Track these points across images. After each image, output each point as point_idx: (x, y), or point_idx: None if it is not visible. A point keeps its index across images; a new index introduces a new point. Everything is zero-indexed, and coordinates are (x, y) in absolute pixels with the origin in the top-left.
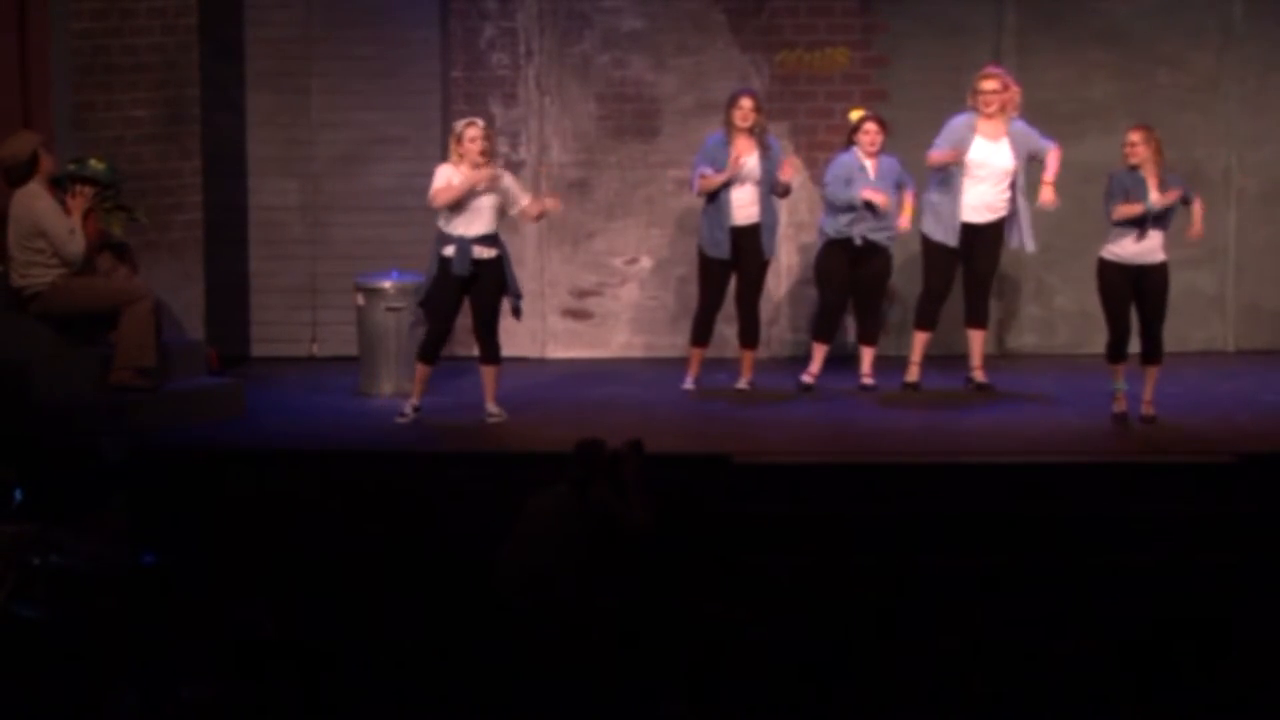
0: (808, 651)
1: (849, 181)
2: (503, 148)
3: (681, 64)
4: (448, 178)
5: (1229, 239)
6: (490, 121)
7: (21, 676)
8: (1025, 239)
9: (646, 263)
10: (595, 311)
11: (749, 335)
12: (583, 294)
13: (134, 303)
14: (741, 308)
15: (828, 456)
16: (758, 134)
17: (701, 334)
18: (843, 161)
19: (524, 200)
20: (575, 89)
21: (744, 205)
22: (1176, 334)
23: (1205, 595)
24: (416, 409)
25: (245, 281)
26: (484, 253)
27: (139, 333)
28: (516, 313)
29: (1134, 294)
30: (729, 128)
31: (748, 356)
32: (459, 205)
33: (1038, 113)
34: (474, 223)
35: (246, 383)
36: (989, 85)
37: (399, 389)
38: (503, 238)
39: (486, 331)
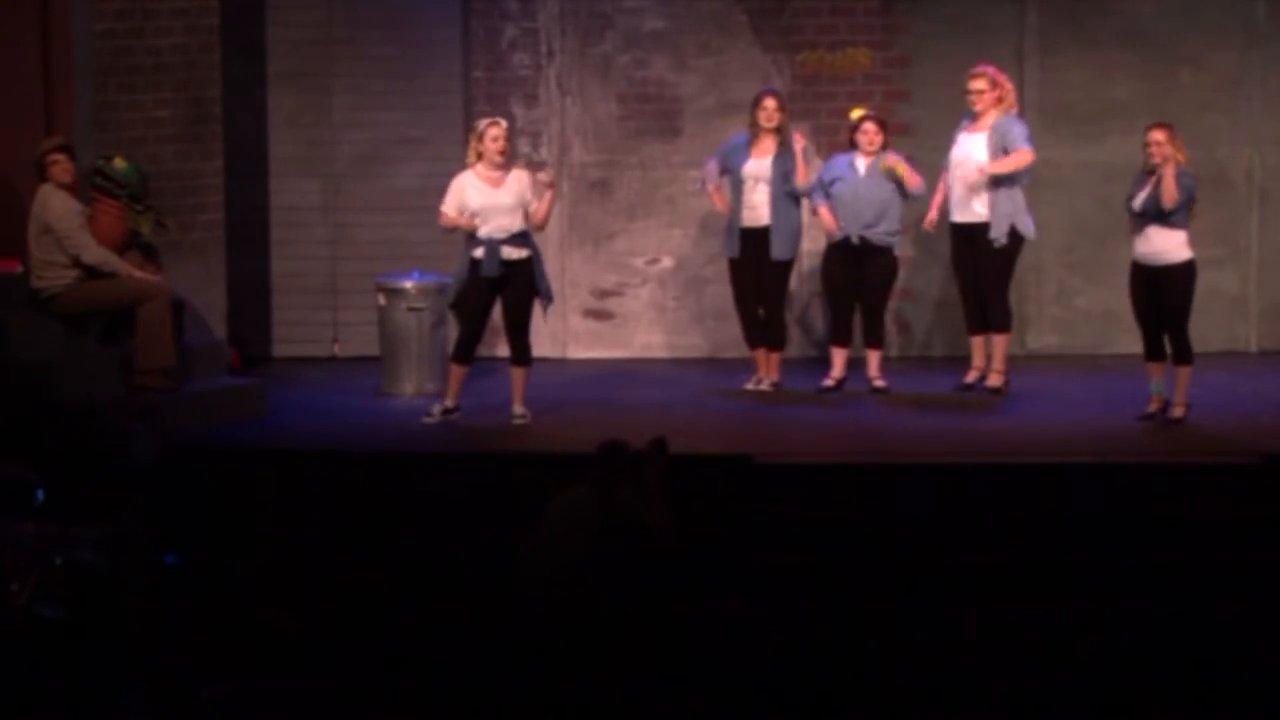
0: (827, 651)
1: (834, 181)
2: (524, 148)
3: (703, 64)
4: (459, 197)
5: (1252, 239)
6: (511, 122)
7: (43, 676)
8: (992, 231)
9: (668, 263)
10: (616, 312)
11: (773, 336)
12: (604, 294)
13: (149, 300)
14: (768, 310)
15: (848, 457)
16: (780, 132)
17: (748, 336)
18: (836, 161)
19: (535, 202)
20: (596, 89)
21: (755, 207)
22: (1199, 335)
23: (1230, 597)
24: (447, 411)
25: (267, 282)
26: (514, 253)
27: (157, 332)
28: (547, 301)
29: (1156, 294)
30: (754, 128)
31: (772, 358)
32: (480, 214)
33: (1059, 113)
34: (500, 223)
35: (268, 383)
36: (975, 85)
37: (421, 389)
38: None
39: (517, 332)
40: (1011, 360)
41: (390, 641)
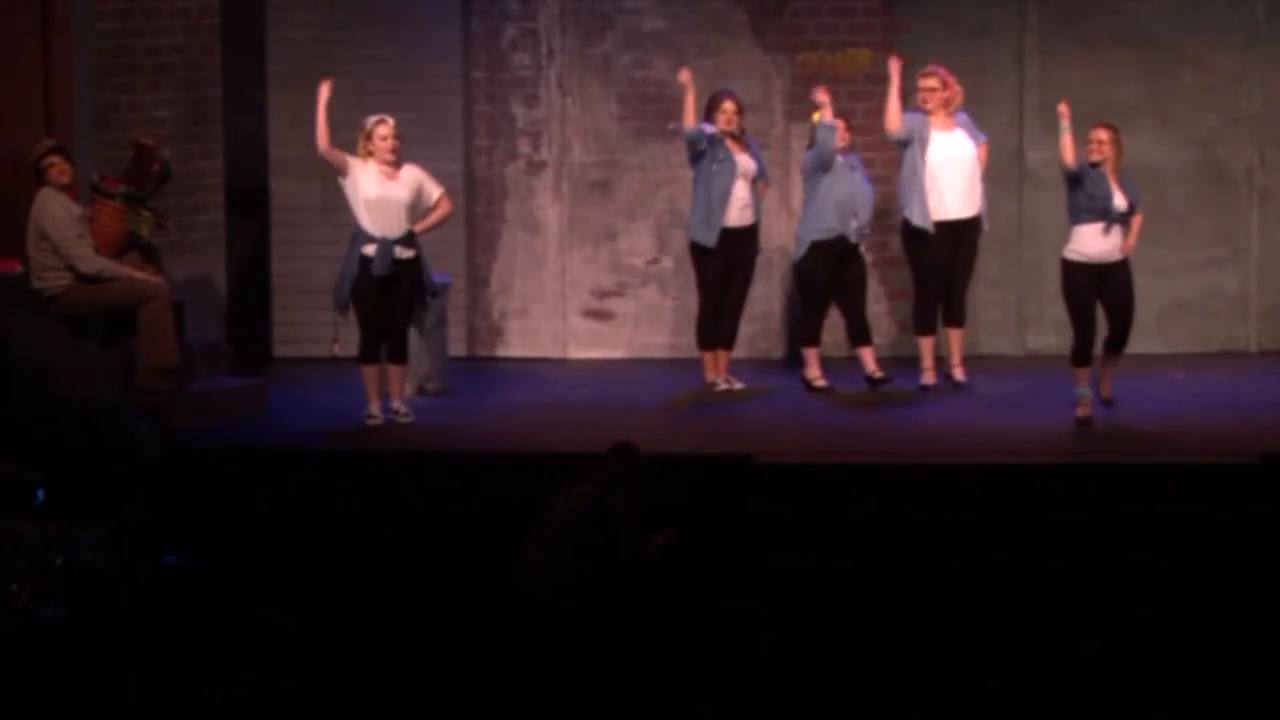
0: (827, 651)
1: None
2: (524, 148)
3: (703, 64)
4: (356, 170)
5: (1252, 239)
6: (511, 122)
7: (43, 676)
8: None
9: (668, 263)
10: (616, 312)
11: (731, 336)
12: (604, 294)
13: (148, 301)
14: (730, 308)
15: (848, 457)
16: (740, 134)
17: (711, 334)
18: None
19: (435, 193)
20: (597, 89)
21: (743, 205)
22: (1199, 335)
23: (1229, 596)
24: (372, 417)
25: (267, 282)
26: (403, 253)
27: (158, 333)
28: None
29: (1099, 295)
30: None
31: (726, 356)
32: (375, 206)
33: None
34: (392, 222)
35: (268, 383)
36: (927, 83)
37: (421, 389)
38: (522, 237)
39: (401, 332)
40: (1011, 360)
41: (390, 641)
